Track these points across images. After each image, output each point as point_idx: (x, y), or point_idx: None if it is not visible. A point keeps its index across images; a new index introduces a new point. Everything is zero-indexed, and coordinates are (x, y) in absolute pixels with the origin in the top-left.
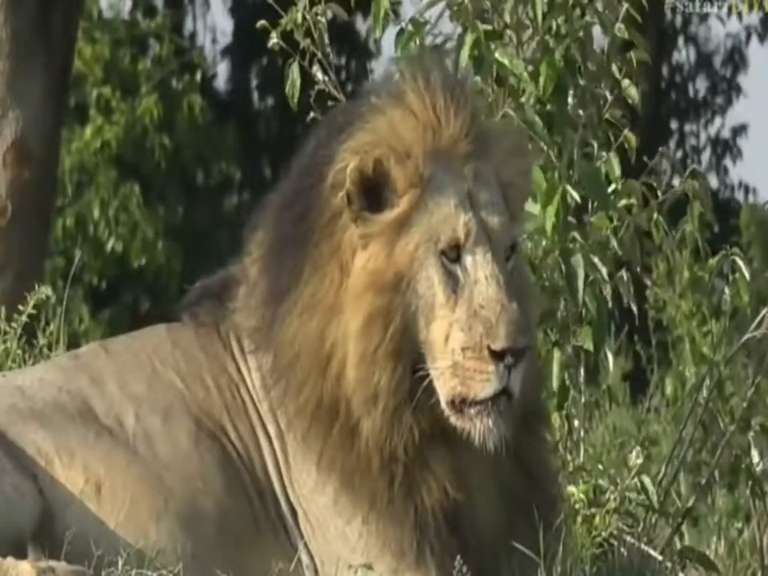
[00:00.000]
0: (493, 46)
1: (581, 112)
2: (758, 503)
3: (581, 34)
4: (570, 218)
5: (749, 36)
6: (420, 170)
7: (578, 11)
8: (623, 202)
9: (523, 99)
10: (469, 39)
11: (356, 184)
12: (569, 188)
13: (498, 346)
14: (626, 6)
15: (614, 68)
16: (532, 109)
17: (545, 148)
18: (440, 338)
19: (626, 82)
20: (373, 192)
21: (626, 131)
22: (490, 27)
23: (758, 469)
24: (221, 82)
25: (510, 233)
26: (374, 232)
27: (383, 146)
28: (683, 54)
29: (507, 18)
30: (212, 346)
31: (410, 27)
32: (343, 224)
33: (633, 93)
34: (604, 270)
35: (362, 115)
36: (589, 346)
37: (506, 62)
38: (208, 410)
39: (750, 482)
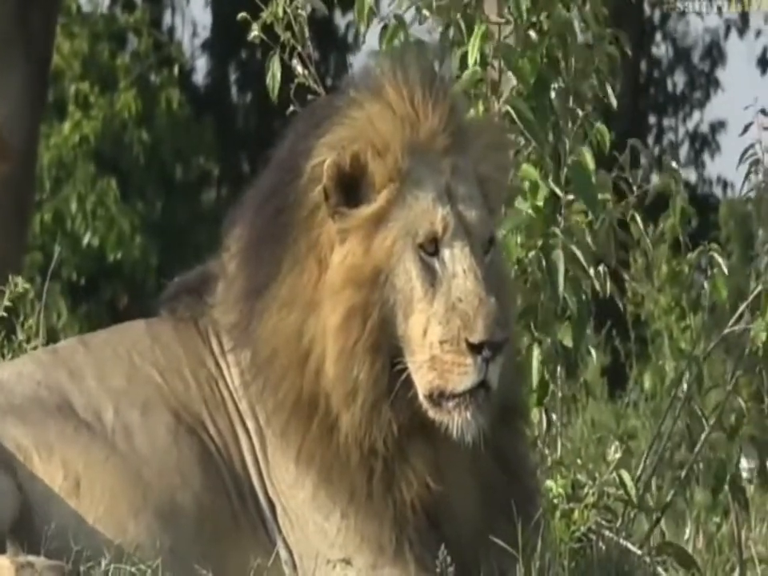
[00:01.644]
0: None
1: (579, 111)
2: (737, 499)
3: (562, 28)
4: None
5: (728, 30)
6: (398, 164)
7: (560, 7)
8: (599, 197)
9: (506, 94)
10: (478, 31)
11: (333, 179)
12: (552, 185)
13: (475, 338)
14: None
15: (597, 62)
16: (525, 104)
17: (533, 144)
18: (418, 332)
19: (599, 78)
20: (350, 187)
21: (598, 125)
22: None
23: (745, 476)
24: (199, 76)
25: (488, 227)
26: (352, 227)
27: (361, 140)
28: (662, 49)
29: (489, 12)
30: (191, 341)
31: (393, 22)
32: (321, 219)
33: (607, 90)
34: (584, 265)
35: (341, 109)
36: (568, 341)
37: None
38: (187, 405)
39: (732, 490)
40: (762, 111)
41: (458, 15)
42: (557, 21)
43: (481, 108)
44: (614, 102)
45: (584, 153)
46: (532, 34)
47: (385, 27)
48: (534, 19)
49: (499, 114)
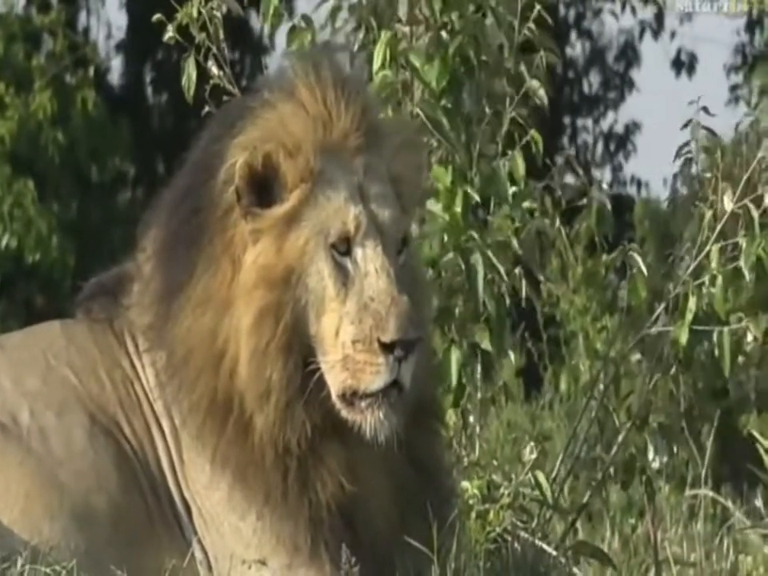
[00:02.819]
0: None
1: (487, 109)
2: (651, 500)
3: (474, 29)
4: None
5: (643, 31)
6: (310, 164)
7: (472, 7)
8: (526, 204)
9: (418, 95)
10: (384, 36)
11: (245, 179)
12: (469, 191)
13: (387, 338)
14: (538, 7)
15: (523, 68)
16: (436, 105)
17: (445, 145)
18: (330, 332)
19: (534, 84)
20: (263, 187)
21: (533, 132)
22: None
23: (654, 466)
24: (114, 77)
25: (400, 226)
26: (265, 227)
27: (273, 140)
28: (577, 49)
29: (401, 14)
30: (106, 342)
31: (302, 24)
32: (235, 219)
33: (541, 95)
34: (502, 269)
35: (253, 110)
36: (487, 345)
37: (414, 58)
38: (102, 406)
39: (644, 481)
40: (704, 109)
41: (370, 16)
42: (469, 21)
43: (390, 111)
44: (546, 103)
45: (516, 158)
46: (444, 34)
47: (293, 29)
48: (445, 19)
49: (411, 116)
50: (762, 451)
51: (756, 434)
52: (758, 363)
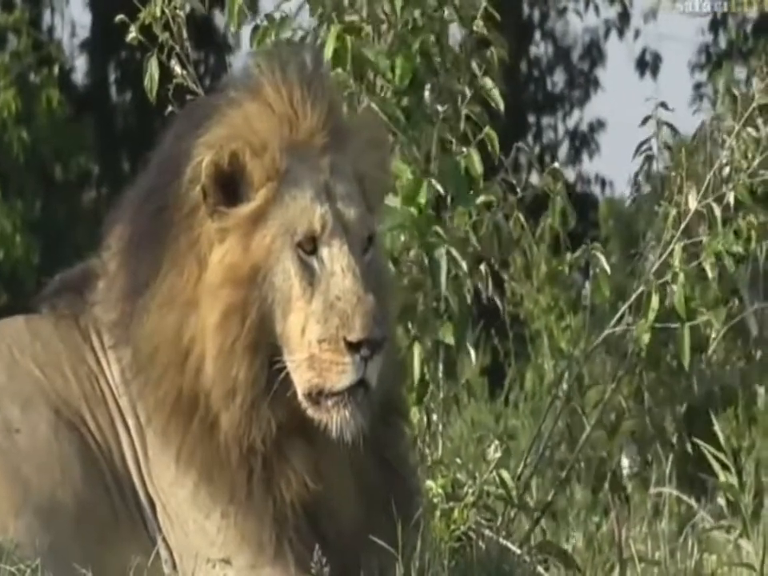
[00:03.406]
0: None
1: (439, 107)
2: (616, 499)
3: (437, 27)
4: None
5: (608, 30)
6: (276, 163)
7: (434, 4)
8: (482, 198)
9: (380, 93)
10: (333, 31)
11: (211, 178)
12: (434, 182)
13: (353, 337)
14: (484, 3)
15: (474, 65)
16: (393, 102)
17: (405, 142)
18: (297, 331)
19: (487, 82)
20: (229, 186)
21: (487, 128)
22: (350, 20)
23: (626, 473)
24: (79, 76)
25: (366, 225)
26: (231, 226)
27: (239, 139)
28: (541, 48)
29: (364, 12)
30: (71, 338)
31: (265, 23)
32: (201, 218)
33: (495, 95)
34: (464, 265)
35: (219, 109)
36: (450, 340)
37: (369, 55)
38: (67, 401)
39: (609, 480)
40: (662, 105)
41: (332, 13)
42: (430, 19)
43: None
44: (501, 105)
45: (471, 155)
46: (406, 32)
47: (256, 27)
48: (407, 18)
49: (367, 111)
50: (710, 458)
51: (719, 431)
52: (722, 361)
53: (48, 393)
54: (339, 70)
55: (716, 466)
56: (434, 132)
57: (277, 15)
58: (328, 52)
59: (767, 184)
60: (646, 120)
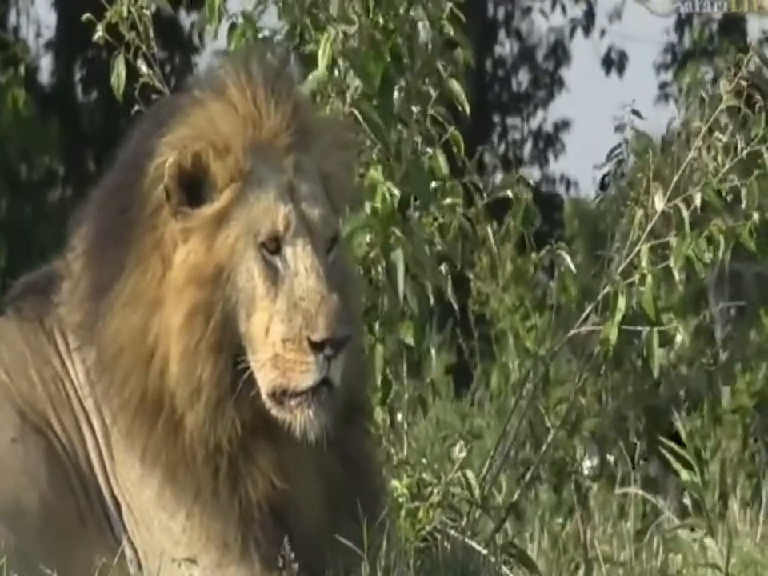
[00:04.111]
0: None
1: (414, 108)
2: (581, 499)
3: (407, 28)
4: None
5: (573, 29)
6: (240, 163)
7: (404, 6)
8: (448, 200)
9: (350, 95)
10: (328, 36)
11: (174, 179)
12: (389, 184)
13: (317, 337)
14: (449, 4)
15: (440, 66)
16: (368, 104)
17: (378, 145)
18: (260, 330)
19: (454, 85)
20: (193, 186)
21: (452, 129)
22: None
23: (586, 472)
24: (44, 75)
25: (331, 225)
26: (194, 226)
27: (202, 140)
28: (506, 48)
29: (333, 12)
30: (36, 340)
31: (240, 21)
32: (165, 218)
33: (462, 98)
34: (427, 265)
35: (183, 109)
36: (410, 341)
37: (353, 57)
38: (33, 403)
39: (573, 480)
40: (634, 112)
41: (304, 15)
42: (401, 20)
43: (327, 109)
44: (467, 107)
45: (437, 156)
46: (376, 34)
47: (233, 25)
48: (378, 19)
49: (345, 115)
50: (671, 459)
51: (682, 431)
52: (688, 362)
53: (13, 395)
54: (326, 71)
55: (677, 466)
56: (405, 133)
57: (254, 12)
58: (324, 55)
59: (735, 189)
60: (619, 128)
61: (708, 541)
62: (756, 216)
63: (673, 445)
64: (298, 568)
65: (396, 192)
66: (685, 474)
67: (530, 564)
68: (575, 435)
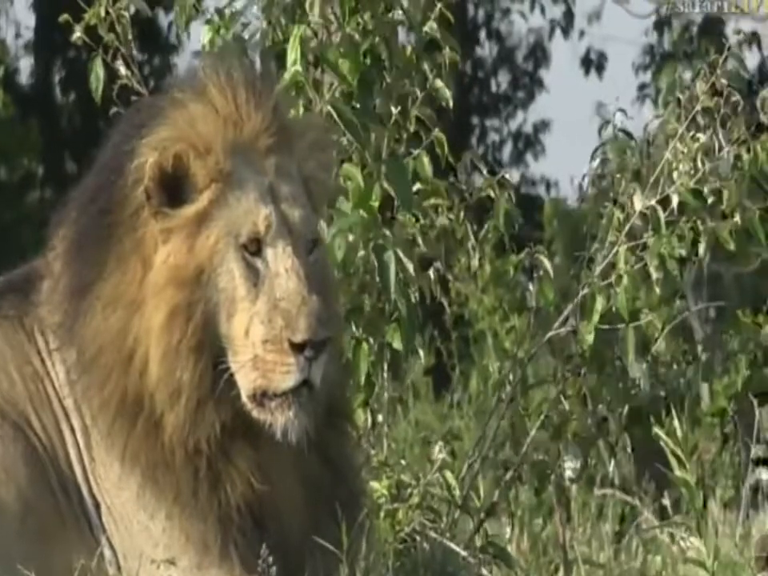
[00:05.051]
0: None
1: (393, 109)
2: (561, 500)
3: (387, 31)
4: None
5: (552, 30)
6: (220, 164)
7: (383, 7)
8: (431, 201)
9: (328, 95)
10: (297, 32)
11: (155, 180)
12: (385, 185)
13: (297, 338)
14: (439, 5)
15: (426, 66)
16: (346, 104)
17: (355, 144)
18: (241, 332)
19: (438, 83)
20: (173, 187)
21: (437, 131)
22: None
23: (568, 474)
24: (23, 76)
25: (311, 226)
26: (175, 227)
27: (183, 141)
28: (486, 49)
29: (315, 13)
30: (16, 339)
31: (216, 19)
32: (145, 219)
33: (446, 95)
34: (411, 267)
35: (163, 110)
36: (397, 344)
37: (330, 56)
38: (12, 402)
39: (553, 482)
40: (620, 110)
41: (280, 14)
42: (380, 21)
43: (301, 109)
44: (451, 103)
45: (421, 157)
46: (355, 34)
47: (208, 22)
48: (358, 20)
49: (321, 115)
50: (668, 452)
51: (661, 434)
52: (667, 363)
53: None
54: (299, 68)
55: (673, 461)
56: (385, 134)
57: (227, 12)
58: (292, 51)
59: (714, 190)
60: (603, 126)
61: (694, 539)
62: (737, 218)
63: (667, 440)
64: (275, 571)
65: (391, 190)
66: (677, 471)
67: (510, 562)
68: (559, 439)
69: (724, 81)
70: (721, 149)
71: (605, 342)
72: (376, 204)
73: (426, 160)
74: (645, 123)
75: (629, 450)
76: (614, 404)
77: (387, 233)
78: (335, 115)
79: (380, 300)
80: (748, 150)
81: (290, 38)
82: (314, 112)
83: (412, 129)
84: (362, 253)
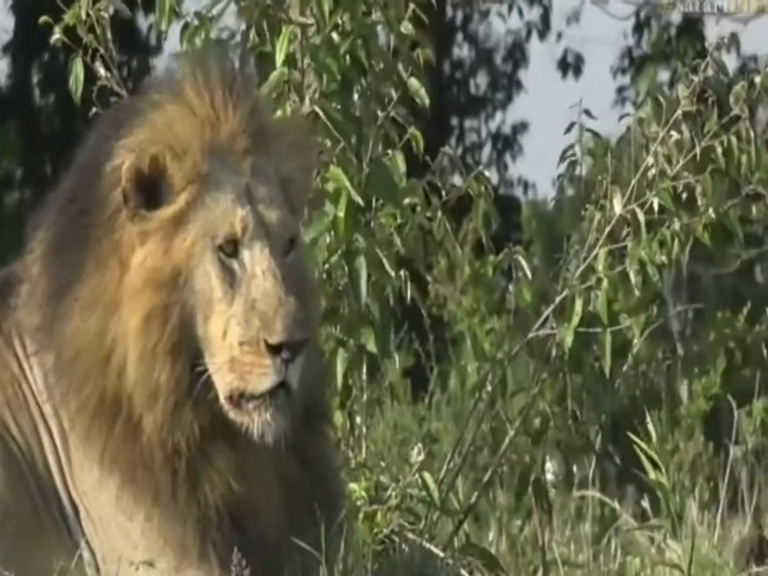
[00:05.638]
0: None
1: (379, 112)
2: (540, 502)
3: (366, 31)
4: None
5: (529, 32)
6: (197, 166)
7: (363, 8)
8: (407, 200)
9: (309, 95)
10: (284, 33)
11: (132, 181)
12: (351, 190)
13: (274, 339)
14: (411, 5)
15: (400, 67)
16: (330, 105)
17: (340, 145)
18: (218, 333)
19: (414, 83)
20: (150, 189)
21: (412, 129)
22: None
23: (549, 478)
24: (1, 78)
25: (289, 227)
26: (152, 229)
27: (160, 142)
28: (464, 51)
29: (293, 14)
30: None
31: (195, 21)
32: (122, 221)
33: (422, 94)
34: (389, 268)
35: (141, 111)
36: (372, 346)
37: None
38: None
39: (536, 491)
40: (586, 112)
41: (260, 15)
42: (359, 23)
43: (288, 109)
44: (427, 102)
45: (396, 156)
46: (335, 35)
47: (186, 25)
48: (337, 21)
49: (304, 115)
50: (642, 456)
51: (635, 438)
52: (646, 365)
53: None
54: (285, 69)
55: (647, 464)
56: (371, 135)
57: (205, 14)
58: (280, 52)
59: (690, 188)
60: (570, 128)
61: (671, 542)
62: (711, 211)
63: (641, 444)
64: (253, 573)
65: (358, 198)
66: (652, 473)
67: (492, 561)
68: (540, 443)
69: (707, 89)
70: (694, 146)
71: (584, 344)
72: (342, 209)
73: (399, 159)
74: (623, 126)
75: (610, 450)
76: (594, 406)
77: (360, 238)
78: (323, 116)
79: (355, 303)
80: (721, 143)
81: (276, 39)
82: (297, 113)
83: (385, 129)
84: (336, 256)
